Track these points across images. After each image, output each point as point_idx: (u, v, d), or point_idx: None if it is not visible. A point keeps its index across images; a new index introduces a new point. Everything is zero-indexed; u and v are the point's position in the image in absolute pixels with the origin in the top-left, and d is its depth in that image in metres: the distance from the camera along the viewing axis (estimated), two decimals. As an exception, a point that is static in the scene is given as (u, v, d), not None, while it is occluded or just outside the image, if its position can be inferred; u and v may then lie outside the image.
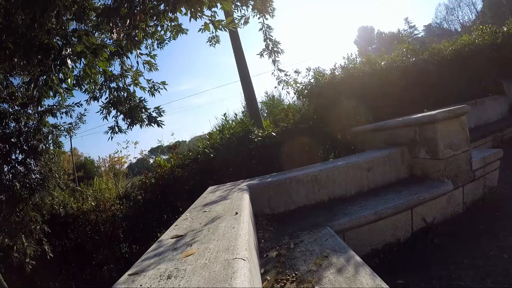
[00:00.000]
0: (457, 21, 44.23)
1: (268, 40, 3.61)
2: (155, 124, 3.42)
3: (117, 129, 3.58)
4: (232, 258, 0.88)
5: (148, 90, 3.58)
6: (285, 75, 4.03)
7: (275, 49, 3.65)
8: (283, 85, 4.15)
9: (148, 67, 3.53)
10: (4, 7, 2.09)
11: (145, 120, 3.42)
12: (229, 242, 1.03)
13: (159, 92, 3.62)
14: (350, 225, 2.04)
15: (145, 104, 3.46)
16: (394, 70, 4.51)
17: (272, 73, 3.91)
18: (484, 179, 2.73)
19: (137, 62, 3.40)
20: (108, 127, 3.54)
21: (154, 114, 3.44)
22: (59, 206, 4.09)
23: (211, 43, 3.55)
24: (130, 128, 3.51)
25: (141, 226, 4.13)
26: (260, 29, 3.56)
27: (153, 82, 3.60)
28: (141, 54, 3.36)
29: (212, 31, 2.38)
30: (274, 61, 3.75)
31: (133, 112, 3.35)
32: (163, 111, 3.47)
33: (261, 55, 3.70)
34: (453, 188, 2.44)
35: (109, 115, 3.50)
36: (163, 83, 3.58)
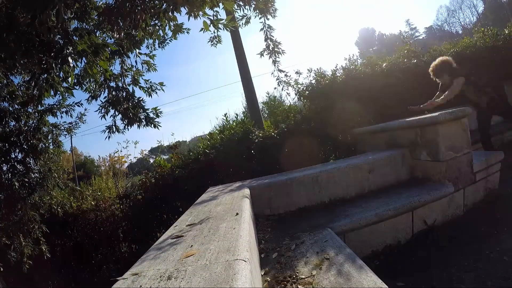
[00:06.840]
0: (458, 23, 44.41)
1: (269, 40, 3.61)
2: (152, 125, 3.39)
3: (114, 129, 3.55)
4: (233, 259, 0.87)
5: (146, 90, 3.56)
6: (285, 75, 4.02)
7: (275, 49, 3.65)
8: (283, 86, 4.12)
9: (147, 67, 3.52)
10: (5, 6, 2.09)
11: (142, 120, 3.40)
12: (230, 243, 1.02)
13: (156, 93, 3.59)
14: (350, 226, 2.03)
15: (144, 104, 3.45)
16: (395, 71, 4.50)
17: (272, 73, 3.89)
18: (485, 182, 2.72)
19: (136, 62, 3.37)
20: (106, 127, 3.50)
21: (151, 115, 3.42)
22: (57, 206, 4.07)
23: (212, 43, 3.55)
24: (128, 128, 3.48)
25: (141, 226, 4.12)
26: (261, 29, 3.57)
27: (150, 82, 3.56)
28: (140, 54, 3.35)
29: (213, 31, 2.38)
30: (274, 62, 3.75)
31: (131, 112, 3.33)
32: (161, 112, 3.43)
33: (261, 54, 3.70)
34: (454, 190, 2.43)
35: (107, 114, 3.48)
36: (161, 84, 3.54)
